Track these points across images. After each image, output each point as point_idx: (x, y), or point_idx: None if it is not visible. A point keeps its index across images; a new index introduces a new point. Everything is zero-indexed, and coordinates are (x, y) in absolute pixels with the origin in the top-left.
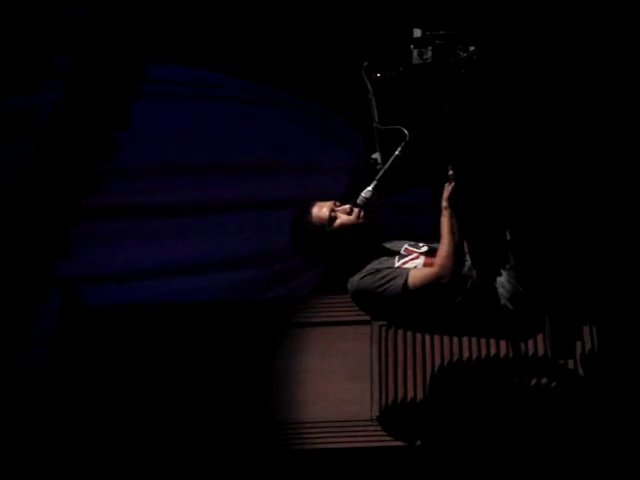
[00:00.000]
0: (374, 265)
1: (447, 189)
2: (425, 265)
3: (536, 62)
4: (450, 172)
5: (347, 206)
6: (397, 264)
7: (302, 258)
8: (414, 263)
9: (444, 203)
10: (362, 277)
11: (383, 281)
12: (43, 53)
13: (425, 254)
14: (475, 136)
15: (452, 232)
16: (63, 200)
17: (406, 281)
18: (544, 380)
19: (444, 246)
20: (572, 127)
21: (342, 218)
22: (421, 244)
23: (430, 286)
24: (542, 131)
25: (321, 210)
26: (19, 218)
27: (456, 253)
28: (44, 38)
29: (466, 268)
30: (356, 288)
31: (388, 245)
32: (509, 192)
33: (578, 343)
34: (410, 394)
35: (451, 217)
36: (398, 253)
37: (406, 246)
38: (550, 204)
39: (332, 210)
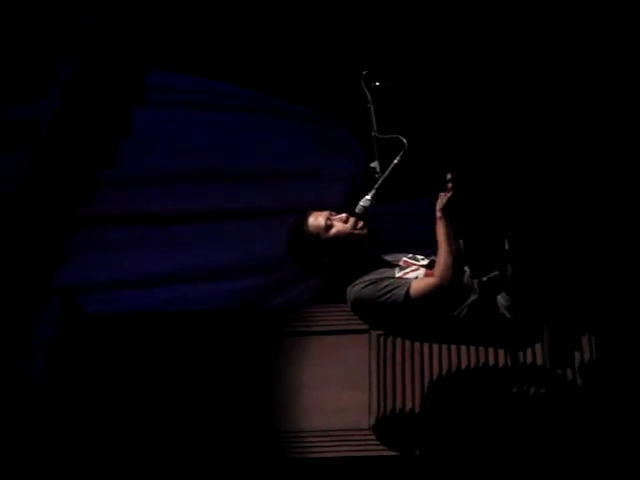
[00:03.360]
0: (375, 275)
1: (441, 199)
2: (426, 276)
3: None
4: (449, 179)
5: (343, 215)
6: (398, 275)
7: (298, 268)
8: (415, 274)
9: (438, 213)
10: (364, 287)
11: (385, 291)
12: (44, 61)
13: (425, 267)
14: (475, 144)
15: (449, 241)
16: (63, 208)
17: (408, 291)
18: (542, 390)
19: (442, 256)
20: (570, 137)
21: (338, 226)
22: (420, 257)
23: (432, 296)
24: (541, 139)
25: (317, 219)
26: (19, 226)
27: (455, 262)
28: (45, 46)
29: (466, 278)
30: (357, 297)
31: (386, 257)
32: (508, 201)
33: (577, 353)
34: (408, 403)
35: (446, 226)
36: (397, 265)
37: (404, 259)
38: (549, 213)
39: (328, 219)
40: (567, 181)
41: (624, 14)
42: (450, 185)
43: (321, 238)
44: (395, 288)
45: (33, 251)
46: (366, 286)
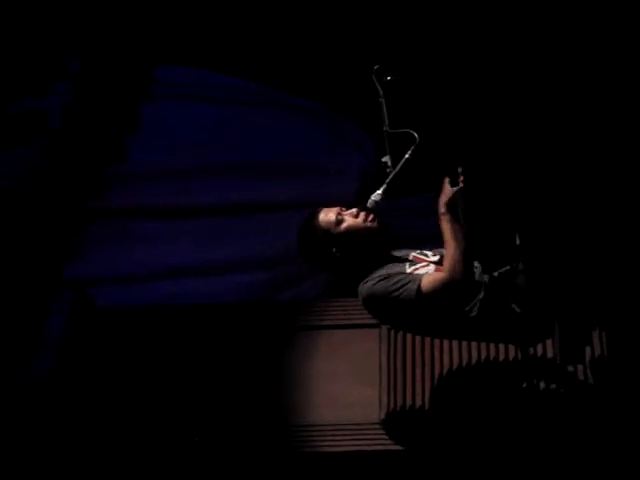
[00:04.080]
0: (386, 271)
1: (444, 194)
2: (436, 272)
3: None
4: (460, 174)
5: (354, 210)
6: (408, 270)
7: (308, 265)
8: (425, 270)
9: (442, 209)
10: (375, 282)
11: (397, 286)
12: (54, 55)
13: (435, 263)
14: (486, 139)
15: (456, 236)
16: (73, 202)
17: (419, 286)
18: (553, 385)
19: (451, 251)
20: (581, 133)
21: (349, 221)
22: (429, 252)
23: (443, 290)
24: (553, 135)
25: (327, 215)
26: (29, 220)
27: (464, 256)
28: (55, 40)
29: (477, 274)
30: (369, 293)
31: (396, 253)
32: (519, 196)
33: (587, 348)
34: (418, 397)
35: (451, 221)
36: (408, 260)
37: (414, 254)
38: (560, 208)
39: (339, 214)
40: (577, 176)
41: (624, 14)
42: (462, 179)
43: (332, 233)
44: (407, 283)
45: (43, 245)
46: (378, 282)
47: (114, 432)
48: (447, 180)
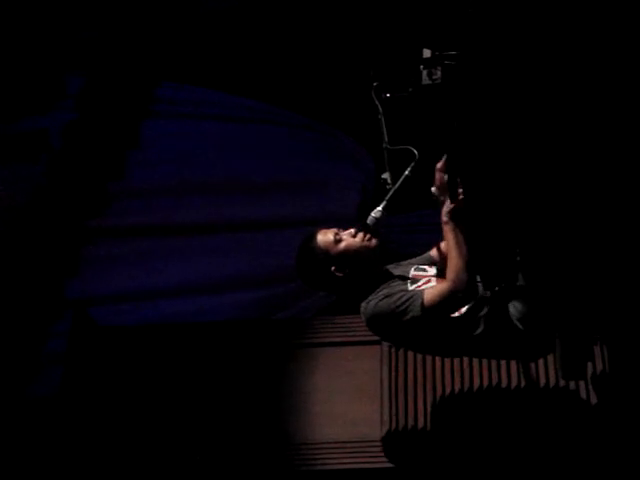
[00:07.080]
0: (388, 289)
1: (447, 204)
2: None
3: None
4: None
5: (352, 229)
6: (411, 289)
7: (308, 286)
8: (427, 286)
9: (444, 218)
10: (379, 301)
11: (400, 302)
12: (55, 74)
13: (436, 276)
14: (486, 151)
15: (458, 244)
16: (74, 220)
17: (423, 300)
18: (554, 402)
19: (453, 259)
20: (583, 140)
21: (347, 241)
22: (427, 267)
23: (446, 301)
24: (553, 146)
25: (325, 235)
26: (30, 238)
27: (466, 264)
28: (56, 59)
29: (479, 290)
30: (374, 312)
31: (395, 271)
32: (519, 211)
33: (589, 363)
34: (420, 415)
35: (454, 230)
36: (408, 278)
37: (413, 272)
38: (560, 223)
39: (336, 234)
40: (579, 192)
41: (624, 14)
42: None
43: (331, 253)
44: (410, 298)
45: (45, 263)
46: (381, 300)
47: (117, 449)
48: (447, 192)
